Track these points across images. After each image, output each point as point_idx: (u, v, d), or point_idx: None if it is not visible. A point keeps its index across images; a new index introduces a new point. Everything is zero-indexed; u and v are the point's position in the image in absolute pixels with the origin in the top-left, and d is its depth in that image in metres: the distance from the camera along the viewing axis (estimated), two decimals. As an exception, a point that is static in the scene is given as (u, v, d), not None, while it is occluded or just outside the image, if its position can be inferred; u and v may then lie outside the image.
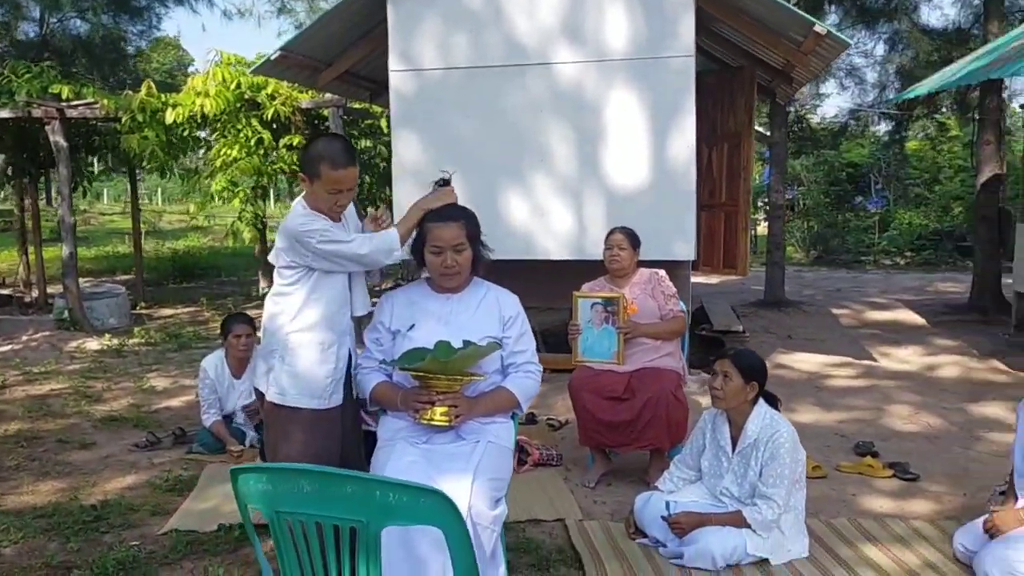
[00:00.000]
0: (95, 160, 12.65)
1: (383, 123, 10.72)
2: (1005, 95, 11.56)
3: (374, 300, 3.26)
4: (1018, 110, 15.15)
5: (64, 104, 9.38)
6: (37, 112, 9.38)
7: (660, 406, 4.30)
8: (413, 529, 2.56)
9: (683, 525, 3.54)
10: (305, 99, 9.64)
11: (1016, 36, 8.07)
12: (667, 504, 3.66)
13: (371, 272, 3.22)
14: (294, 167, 9.89)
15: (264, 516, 2.03)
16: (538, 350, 3.31)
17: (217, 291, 12.78)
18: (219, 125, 9.72)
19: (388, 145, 8.13)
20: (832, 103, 53.99)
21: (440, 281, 3.13)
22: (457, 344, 2.94)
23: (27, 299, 11.16)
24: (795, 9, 6.48)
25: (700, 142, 6.61)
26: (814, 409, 6.01)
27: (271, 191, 11.79)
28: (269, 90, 9.52)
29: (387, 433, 3.11)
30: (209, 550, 3.74)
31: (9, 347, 8.59)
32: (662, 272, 4.74)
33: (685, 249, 6.31)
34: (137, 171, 12.34)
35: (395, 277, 10.49)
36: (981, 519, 3.51)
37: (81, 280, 9.91)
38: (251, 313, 5.57)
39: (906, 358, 7.65)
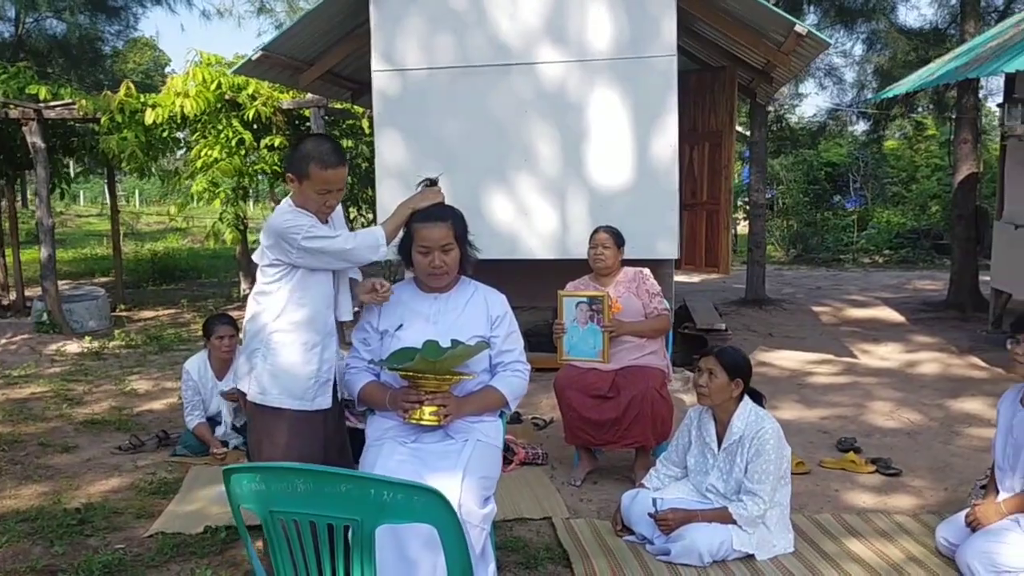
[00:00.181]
0: (72, 161, 12.54)
1: (365, 123, 10.69)
2: (981, 95, 11.68)
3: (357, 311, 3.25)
4: (994, 109, 15.29)
5: (42, 105, 9.29)
6: (14, 113, 9.29)
7: (645, 404, 4.32)
8: (403, 529, 2.56)
9: (670, 522, 3.56)
10: (286, 99, 9.59)
11: (992, 36, 8.17)
12: (654, 501, 3.68)
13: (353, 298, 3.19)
14: (275, 168, 9.84)
15: (258, 516, 2.03)
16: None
17: (198, 293, 12.70)
18: (199, 126, 9.65)
19: (370, 145, 8.13)
20: (811, 103, 54.28)
21: (428, 281, 3.13)
22: (445, 344, 2.95)
23: (5, 302, 11.05)
24: (776, 9, 6.53)
25: (682, 142, 6.64)
26: (796, 406, 6.06)
27: (252, 192, 11.68)
28: (250, 90, 9.47)
29: (376, 433, 3.11)
30: (196, 552, 3.72)
31: (-13, 350, 8.51)
32: (646, 271, 4.76)
33: (668, 247, 6.34)
34: (116, 173, 12.25)
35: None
36: (963, 513, 3.56)
37: (60, 283, 9.82)
38: (233, 314, 5.54)
39: (886, 355, 7.73)
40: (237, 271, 12.24)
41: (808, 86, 18.60)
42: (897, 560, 3.54)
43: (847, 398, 6.26)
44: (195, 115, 9.26)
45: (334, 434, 3.18)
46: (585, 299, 4.53)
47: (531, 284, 6.09)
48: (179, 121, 9.45)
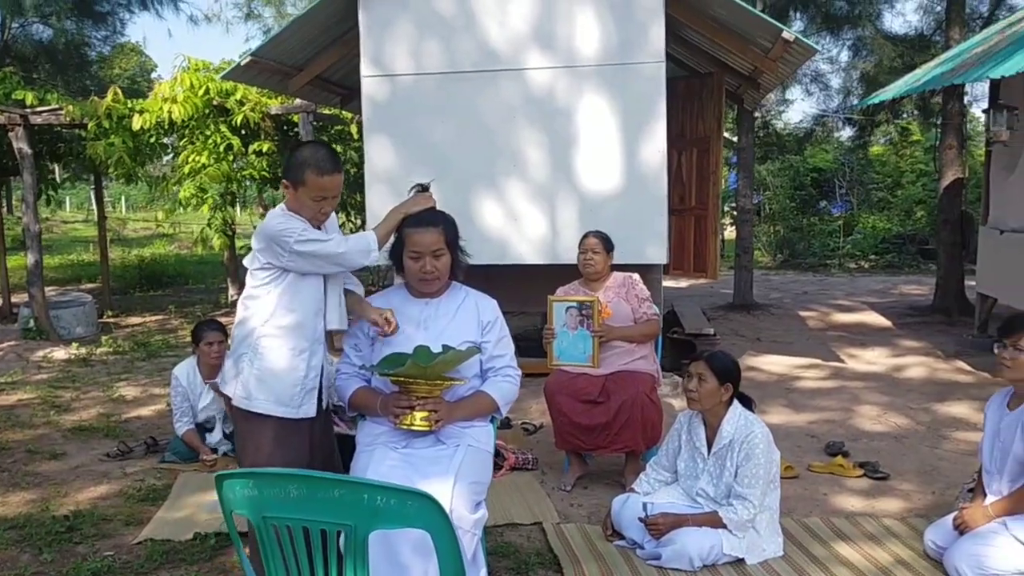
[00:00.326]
0: (59, 167, 12.47)
1: (353, 129, 10.69)
2: (966, 100, 11.79)
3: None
4: (979, 115, 15.42)
5: (28, 110, 9.26)
6: (0, 119, 9.25)
7: (635, 408, 4.33)
8: (394, 535, 2.56)
9: (660, 526, 3.57)
10: (275, 104, 9.59)
11: (977, 43, 8.25)
12: (644, 506, 3.69)
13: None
14: (263, 173, 9.82)
15: (250, 522, 2.02)
16: (512, 354, 3.32)
17: (185, 299, 12.65)
18: (187, 131, 9.63)
19: (358, 151, 8.12)
20: (797, 108, 54.68)
21: (419, 286, 3.14)
22: (436, 349, 2.95)
23: (-9, 308, 10.98)
24: (763, 16, 6.57)
25: (670, 147, 6.67)
26: (784, 410, 6.09)
27: (240, 198, 11.65)
28: (238, 96, 9.46)
29: (367, 438, 3.11)
30: (185, 559, 3.71)
31: (-27, 357, 8.45)
32: (636, 276, 4.78)
33: (658, 252, 6.37)
34: (103, 179, 12.19)
35: (368, 283, 10.45)
36: (951, 516, 3.59)
37: (46, 289, 9.76)
38: (221, 320, 5.53)
39: (873, 359, 7.78)
40: (225, 277, 12.20)
41: (795, 92, 18.69)
42: (885, 563, 3.56)
43: (835, 402, 6.30)
44: (183, 120, 9.24)
45: (321, 442, 3.17)
46: (575, 304, 4.54)
47: (521, 289, 6.10)
48: (167, 127, 9.43)
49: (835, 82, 14.30)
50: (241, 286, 3.10)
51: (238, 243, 11.49)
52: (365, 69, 6.61)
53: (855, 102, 13.80)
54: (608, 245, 4.72)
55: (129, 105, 9.42)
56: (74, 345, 8.81)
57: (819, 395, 6.52)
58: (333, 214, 3.13)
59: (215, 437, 5.14)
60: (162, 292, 13.76)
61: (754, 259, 12.07)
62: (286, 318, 2.99)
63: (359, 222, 9.58)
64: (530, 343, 5.87)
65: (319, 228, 3.02)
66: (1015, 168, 7.47)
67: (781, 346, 8.34)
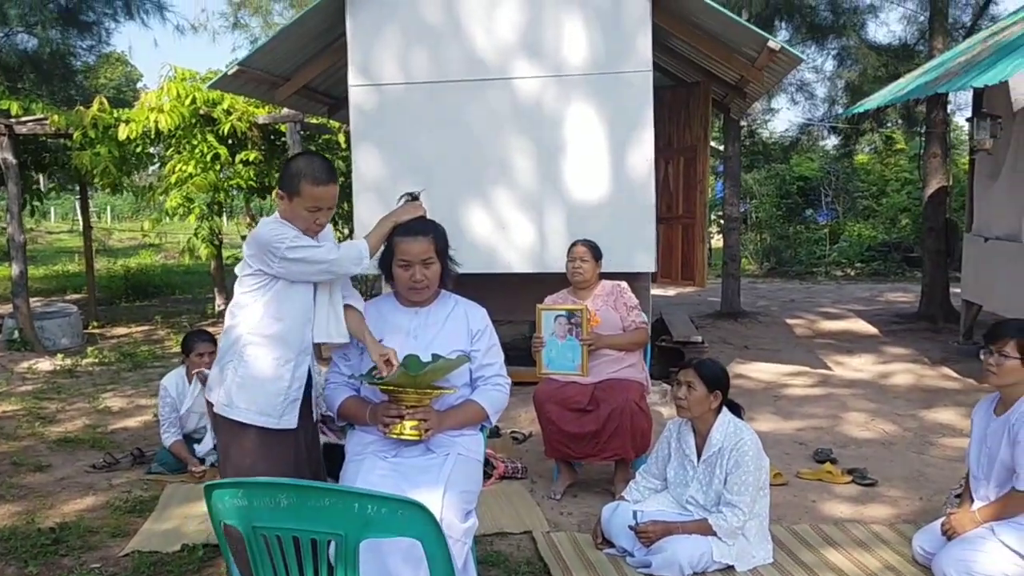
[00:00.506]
0: (43, 178, 12.41)
1: (341, 138, 10.68)
2: (950, 109, 11.88)
3: None
4: (963, 124, 15.55)
5: (13, 120, 9.21)
6: (-16, 128, 9.20)
7: (624, 416, 4.33)
8: (385, 544, 2.55)
9: (650, 534, 3.58)
10: (262, 114, 9.57)
11: (960, 52, 8.32)
12: (634, 514, 3.69)
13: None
14: (251, 183, 9.80)
15: (240, 531, 2.01)
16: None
17: (172, 309, 12.59)
18: (174, 141, 9.61)
19: (346, 160, 8.11)
20: (783, 118, 54.95)
21: (408, 295, 3.14)
22: (426, 358, 2.95)
23: (-25, 319, 10.89)
24: (749, 25, 6.61)
25: (657, 156, 6.69)
26: (773, 418, 6.11)
27: (227, 207, 11.62)
28: (225, 105, 9.44)
29: (356, 448, 3.10)
30: (173, 571, 3.68)
31: (-43, 369, 8.38)
32: (624, 284, 4.79)
33: (646, 261, 6.38)
34: (88, 189, 12.13)
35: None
36: (938, 522, 3.61)
37: (31, 300, 9.70)
38: (210, 331, 5.50)
39: (860, 366, 7.81)
40: (212, 287, 12.15)
41: (780, 101, 18.84)
42: (874, 569, 3.57)
43: (823, 409, 6.32)
44: (169, 130, 9.22)
45: (308, 453, 3.13)
46: (564, 313, 4.55)
47: (509, 298, 6.10)
48: (153, 136, 9.40)
49: (820, 91, 14.42)
50: (228, 296, 3.08)
51: (225, 253, 11.45)
52: (353, 78, 6.62)
53: (840, 111, 13.89)
54: (596, 253, 4.73)
55: (115, 115, 9.39)
56: (59, 356, 8.75)
57: (807, 402, 6.54)
58: (329, 227, 3.09)
59: (204, 447, 5.11)
60: (148, 302, 13.69)
61: (741, 267, 12.12)
62: (273, 326, 2.96)
63: (347, 231, 9.56)
64: (519, 352, 5.86)
65: (313, 238, 2.99)
66: (999, 176, 7.54)
67: (769, 354, 8.37)
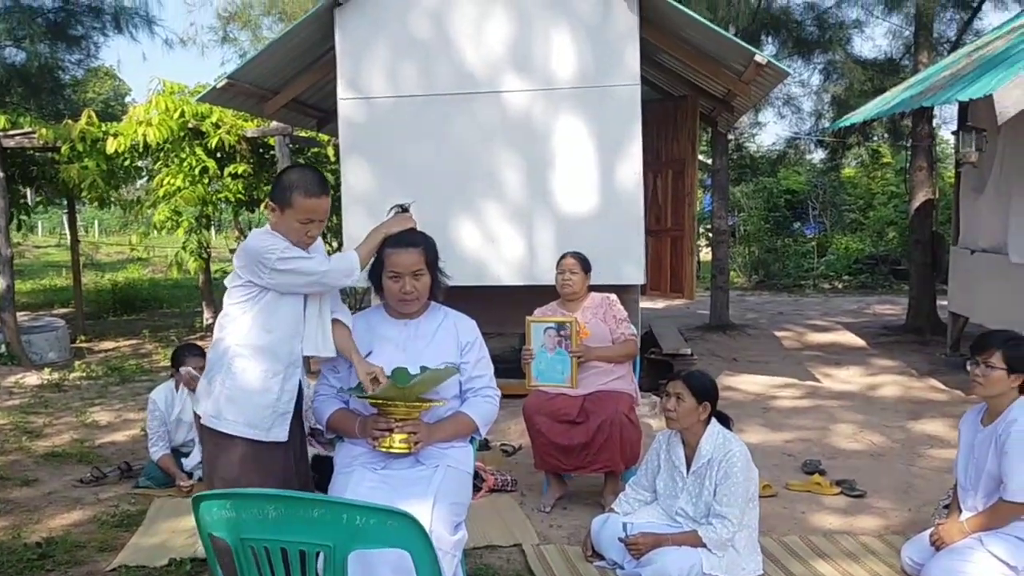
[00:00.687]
0: (31, 191, 12.35)
1: (330, 151, 10.68)
2: (936, 123, 11.98)
3: None
4: (948, 138, 15.68)
5: (1, 134, 9.18)
6: (-28, 142, 9.16)
7: (614, 429, 4.34)
8: (374, 555, 2.54)
9: (640, 546, 3.57)
10: (250, 127, 9.56)
11: (945, 66, 8.40)
12: (624, 526, 3.69)
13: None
14: (239, 196, 9.79)
15: (228, 543, 2.00)
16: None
17: (159, 323, 12.53)
18: (162, 154, 9.59)
19: (335, 173, 8.11)
20: (770, 131, 55.21)
21: (398, 307, 3.13)
22: (415, 370, 2.94)
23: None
24: (736, 39, 6.66)
25: (645, 169, 6.72)
26: (762, 430, 6.12)
27: (215, 221, 11.59)
28: (214, 119, 9.43)
29: (345, 460, 3.09)
30: (160, 585, 3.66)
31: (-57, 383, 8.32)
32: (613, 296, 4.80)
33: (635, 273, 6.39)
34: (76, 202, 12.08)
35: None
36: (927, 532, 3.61)
37: (18, 314, 9.64)
38: (199, 344, 5.48)
39: (848, 378, 7.84)
40: (200, 301, 12.10)
41: (767, 115, 18.94)
42: (864, 580, 3.58)
43: (811, 421, 6.33)
44: (158, 143, 9.20)
45: (296, 466, 3.11)
46: (553, 325, 4.55)
47: (499, 311, 6.10)
48: (141, 150, 9.39)
49: (807, 105, 14.48)
50: (216, 310, 3.06)
51: (213, 267, 11.41)
52: (342, 92, 6.63)
53: (827, 125, 13.98)
54: (586, 266, 4.75)
55: (103, 128, 9.37)
56: (46, 370, 8.70)
57: (796, 414, 6.56)
58: (320, 240, 3.10)
59: (192, 461, 5.08)
60: (136, 316, 13.62)
61: (730, 280, 12.15)
62: (262, 338, 2.95)
63: (336, 245, 9.55)
64: (509, 364, 5.86)
65: (304, 250, 2.99)
66: (984, 189, 7.59)
67: (758, 366, 8.39)
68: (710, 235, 12.03)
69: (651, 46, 6.90)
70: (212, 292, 11.12)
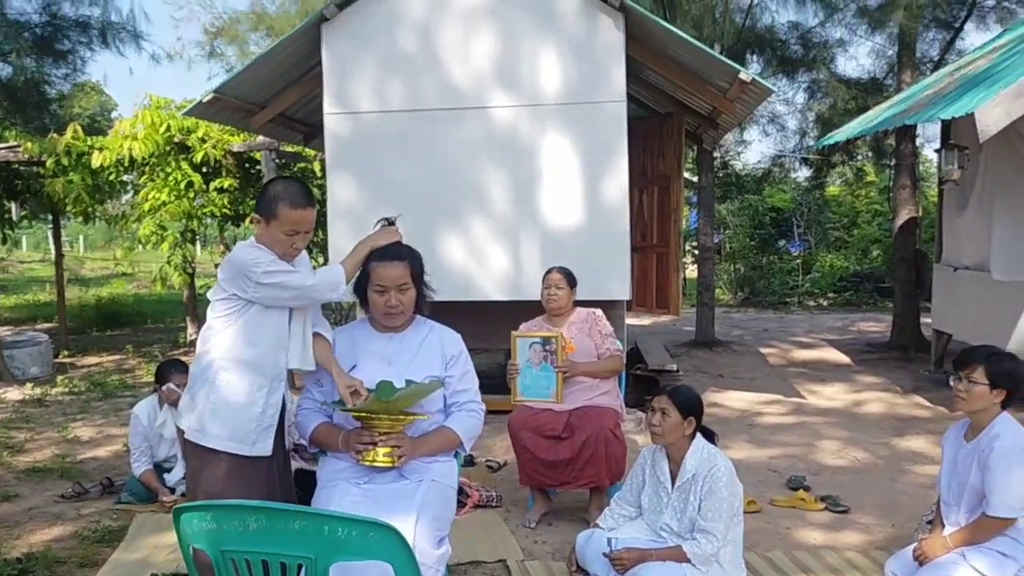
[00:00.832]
0: (15, 206, 12.29)
1: (316, 166, 10.68)
2: (919, 142, 12.07)
3: None
4: (931, 156, 15.84)
5: (-15, 147, 9.15)
6: (-44, 156, 9.12)
7: (599, 444, 4.33)
8: (356, 567, 2.52)
9: (625, 561, 3.55)
10: (237, 142, 9.56)
11: (928, 85, 8.49)
12: (609, 541, 3.67)
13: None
14: (225, 210, 9.77)
15: (209, 556, 1.99)
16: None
17: (143, 339, 12.45)
18: (147, 168, 9.57)
19: (321, 188, 8.12)
20: (755, 149, 55.54)
21: (383, 320, 3.13)
22: (399, 384, 2.93)
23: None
24: (721, 57, 6.71)
25: (631, 186, 6.75)
26: (747, 446, 6.12)
27: (200, 236, 11.55)
28: (200, 133, 9.43)
29: (328, 474, 3.07)
30: (141, 601, 3.62)
31: (-77, 398, 8.23)
32: (599, 311, 4.80)
33: (621, 288, 6.41)
34: (61, 217, 12.02)
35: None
36: (911, 548, 3.61)
37: (1, 328, 9.57)
38: (184, 361, 5.45)
39: (833, 395, 7.86)
40: (184, 316, 12.03)
41: (752, 133, 19.02)
42: (848, 595, 3.58)
43: (796, 437, 6.35)
44: (143, 158, 9.19)
45: (280, 482, 3.09)
46: (539, 340, 4.55)
47: (485, 326, 6.09)
48: (127, 164, 9.36)
49: (791, 123, 14.56)
50: (201, 325, 3.04)
51: (198, 282, 11.36)
52: (328, 106, 6.64)
53: (811, 143, 14.07)
54: (571, 281, 4.75)
55: (89, 142, 9.35)
56: (28, 385, 8.64)
57: (781, 430, 6.57)
58: (305, 254, 3.09)
59: (175, 476, 5.04)
60: (120, 332, 13.53)
61: (715, 297, 12.19)
62: (246, 352, 2.94)
63: (322, 260, 9.54)
64: (494, 380, 5.86)
65: (289, 263, 2.98)
66: (967, 206, 7.66)
67: (743, 382, 8.41)
68: (696, 252, 12.07)
69: (637, 63, 6.94)
70: (197, 307, 11.06)
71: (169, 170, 9.44)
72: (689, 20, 10.35)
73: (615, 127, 6.35)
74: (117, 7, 14.05)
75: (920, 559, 3.49)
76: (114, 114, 30.93)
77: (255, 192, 9.75)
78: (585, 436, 4.36)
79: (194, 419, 2.94)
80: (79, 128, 9.51)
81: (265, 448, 2.98)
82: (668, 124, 8.44)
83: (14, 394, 8.33)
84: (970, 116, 5.75)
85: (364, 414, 2.94)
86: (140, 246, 10.37)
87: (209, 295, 3.02)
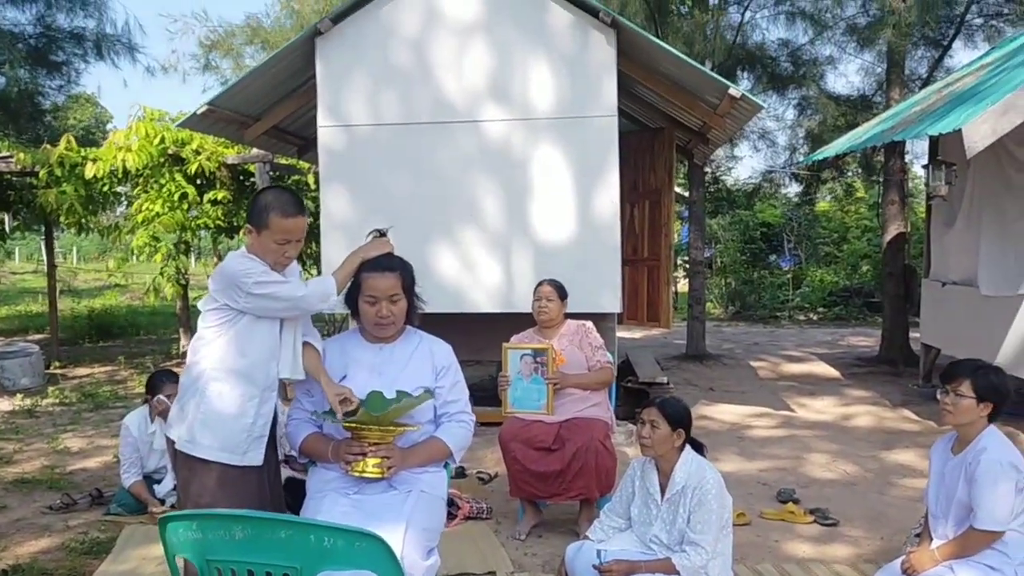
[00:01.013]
0: (8, 216, 12.28)
1: (310, 178, 10.71)
2: (908, 158, 12.18)
3: None
4: (920, 172, 15.95)
5: (-22, 158, 9.15)
6: (-52, 166, 9.12)
7: (589, 456, 4.35)
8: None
9: (614, 573, 3.55)
10: (231, 154, 9.58)
11: (916, 102, 8.56)
12: (598, 553, 3.68)
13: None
14: (219, 222, 9.77)
15: (195, 565, 1.99)
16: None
17: (135, 350, 12.42)
18: (141, 180, 9.58)
19: (315, 200, 8.14)
20: (746, 165, 55.88)
21: (374, 331, 3.14)
22: (390, 394, 2.94)
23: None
24: (711, 73, 6.77)
25: (622, 200, 6.81)
26: (737, 458, 6.14)
27: (194, 247, 11.55)
28: (194, 145, 9.44)
29: (317, 484, 3.08)
30: (129, 612, 3.61)
31: (-88, 409, 8.20)
32: (589, 324, 4.82)
33: (612, 301, 6.44)
34: (54, 228, 12.02)
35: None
36: (899, 560, 3.62)
37: (-9, 339, 9.55)
38: (176, 372, 5.45)
39: (822, 409, 7.89)
40: (177, 327, 12.02)
41: (743, 148, 19.13)
42: (836, 608, 3.59)
43: (785, 450, 6.37)
44: (137, 169, 9.19)
45: (271, 493, 3.09)
46: (530, 352, 4.57)
47: (476, 338, 6.11)
48: (120, 175, 9.37)
49: (781, 139, 14.66)
50: (193, 336, 3.04)
51: (192, 294, 11.35)
52: (322, 119, 6.67)
53: (801, 159, 14.15)
54: (562, 293, 4.77)
55: (82, 153, 9.35)
56: (19, 396, 8.61)
57: (770, 443, 6.59)
58: (296, 264, 3.10)
59: (164, 488, 5.02)
60: (112, 343, 13.50)
61: (706, 311, 12.22)
62: (238, 362, 2.94)
63: (315, 272, 9.55)
64: (485, 393, 5.87)
65: (280, 273, 2.99)
66: (954, 222, 7.71)
67: (733, 395, 8.43)
68: (687, 266, 12.11)
69: (628, 79, 6.99)
70: (190, 319, 11.05)
71: (163, 182, 9.45)
72: (680, 37, 10.43)
73: (606, 141, 6.39)
74: (112, 19, 14.01)
75: (908, 572, 3.50)
76: (109, 126, 30.91)
77: (249, 204, 9.76)
78: (575, 448, 4.37)
79: (184, 429, 2.94)
80: (72, 139, 9.52)
81: (256, 458, 2.98)
82: (659, 139, 8.50)
83: (4, 405, 8.30)
84: (958, 133, 5.80)
85: (354, 425, 2.94)
86: (133, 257, 10.36)
87: (200, 305, 3.02)
